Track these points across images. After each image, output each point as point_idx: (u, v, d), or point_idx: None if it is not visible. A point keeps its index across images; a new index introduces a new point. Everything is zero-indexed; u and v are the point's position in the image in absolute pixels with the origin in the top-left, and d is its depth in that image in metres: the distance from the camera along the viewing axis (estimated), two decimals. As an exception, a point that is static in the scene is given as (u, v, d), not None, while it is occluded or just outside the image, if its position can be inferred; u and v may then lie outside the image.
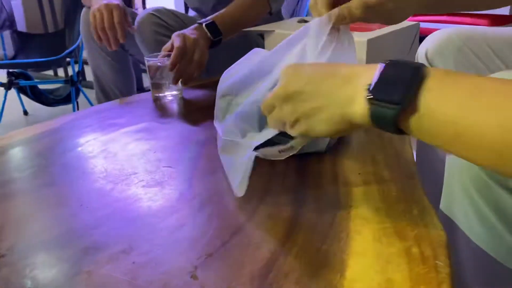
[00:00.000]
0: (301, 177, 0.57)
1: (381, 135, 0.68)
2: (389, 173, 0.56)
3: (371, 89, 0.37)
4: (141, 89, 2.26)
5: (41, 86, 2.16)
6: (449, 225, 0.48)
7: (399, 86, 0.36)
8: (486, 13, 1.76)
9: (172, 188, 0.55)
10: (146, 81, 2.48)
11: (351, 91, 0.39)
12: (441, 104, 0.34)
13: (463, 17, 1.80)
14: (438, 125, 0.34)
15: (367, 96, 0.37)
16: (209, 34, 1.03)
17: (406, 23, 0.96)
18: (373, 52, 0.83)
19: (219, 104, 0.67)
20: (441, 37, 0.69)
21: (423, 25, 1.85)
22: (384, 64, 0.38)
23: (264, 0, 1.15)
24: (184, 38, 0.95)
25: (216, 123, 0.66)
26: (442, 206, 0.50)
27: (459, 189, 0.46)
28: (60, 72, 2.97)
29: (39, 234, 0.47)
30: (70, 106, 2.10)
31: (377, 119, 0.37)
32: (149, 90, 0.98)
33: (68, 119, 0.84)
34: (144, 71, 1.06)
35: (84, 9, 1.25)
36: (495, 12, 1.74)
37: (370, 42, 0.84)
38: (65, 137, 0.75)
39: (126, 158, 0.65)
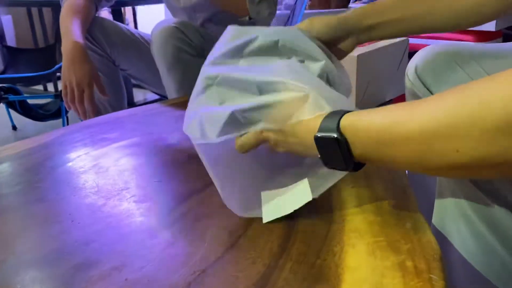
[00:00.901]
0: (294, 191, 0.57)
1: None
2: (382, 187, 0.56)
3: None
4: (132, 104, 2.26)
5: (30, 101, 2.15)
6: (441, 239, 0.48)
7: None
8: (473, 29, 1.79)
9: (164, 203, 0.55)
10: (137, 96, 2.47)
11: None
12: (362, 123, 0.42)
13: (451, 33, 1.83)
14: (364, 133, 0.42)
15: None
16: None
17: (396, 39, 0.97)
18: (363, 66, 0.84)
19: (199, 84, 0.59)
20: (430, 53, 0.70)
21: (412, 40, 1.88)
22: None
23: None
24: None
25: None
26: (434, 220, 0.50)
27: (452, 203, 0.46)
28: (50, 87, 2.96)
29: (29, 251, 0.46)
30: (59, 121, 2.08)
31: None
32: (140, 105, 0.98)
33: (59, 133, 0.84)
34: (136, 86, 1.07)
35: None
36: (482, 29, 1.77)
37: (360, 57, 0.85)
38: (55, 152, 0.75)
39: (117, 173, 0.64)
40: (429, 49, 0.71)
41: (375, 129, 0.41)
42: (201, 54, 1.13)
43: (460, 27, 0.66)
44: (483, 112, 0.33)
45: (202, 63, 0.58)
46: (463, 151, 0.35)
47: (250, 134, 0.51)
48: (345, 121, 0.44)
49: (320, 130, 0.46)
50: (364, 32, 0.64)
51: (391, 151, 0.40)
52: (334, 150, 0.44)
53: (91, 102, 1.11)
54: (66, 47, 1.12)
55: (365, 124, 0.42)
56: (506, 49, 0.69)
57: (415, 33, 0.67)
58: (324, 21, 0.63)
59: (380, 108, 0.42)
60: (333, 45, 0.63)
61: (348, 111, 0.45)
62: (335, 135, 0.43)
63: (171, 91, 1.15)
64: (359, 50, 0.88)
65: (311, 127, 0.47)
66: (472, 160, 0.35)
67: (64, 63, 1.12)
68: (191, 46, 1.12)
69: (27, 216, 0.54)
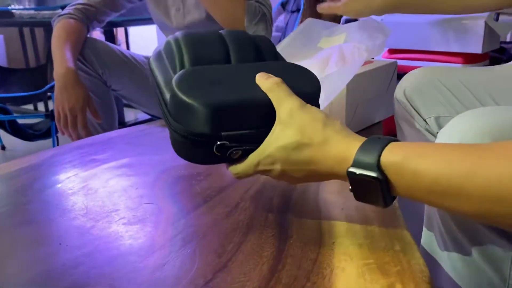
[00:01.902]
0: (284, 213, 0.57)
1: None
2: (371, 208, 0.56)
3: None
4: (123, 123, 2.25)
5: (20, 121, 2.14)
6: (430, 261, 0.49)
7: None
8: (460, 52, 1.82)
9: (153, 225, 0.55)
10: (128, 116, 2.47)
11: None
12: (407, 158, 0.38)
13: (438, 55, 1.86)
14: (413, 178, 0.37)
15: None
16: None
17: (384, 61, 0.99)
18: (353, 89, 0.86)
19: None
20: (417, 76, 0.72)
21: (400, 62, 1.91)
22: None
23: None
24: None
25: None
26: (423, 241, 0.50)
27: (440, 225, 0.46)
28: (40, 106, 2.95)
29: (16, 274, 0.46)
30: (49, 141, 2.07)
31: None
32: (131, 125, 0.98)
33: (48, 154, 0.83)
34: (127, 105, 1.08)
35: None
36: (469, 51, 1.81)
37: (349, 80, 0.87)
38: (44, 173, 0.74)
39: (107, 195, 0.64)
40: (417, 72, 0.73)
41: (428, 178, 0.36)
42: None
43: (466, 10, 0.70)
44: None
45: None
46: None
47: (247, 166, 0.49)
48: (388, 157, 0.38)
49: (355, 165, 0.40)
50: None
51: (445, 202, 0.37)
52: (372, 189, 0.40)
53: (85, 127, 1.12)
54: (58, 72, 1.13)
55: (414, 169, 0.37)
56: (490, 70, 0.70)
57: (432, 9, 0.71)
58: None
59: (432, 148, 0.38)
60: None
61: (390, 140, 0.40)
62: (375, 175, 0.38)
63: None
64: (349, 74, 0.90)
65: (342, 157, 0.41)
66: None
67: (56, 88, 1.13)
68: None
69: (14, 239, 0.53)
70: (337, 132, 0.43)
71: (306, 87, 0.52)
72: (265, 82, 0.48)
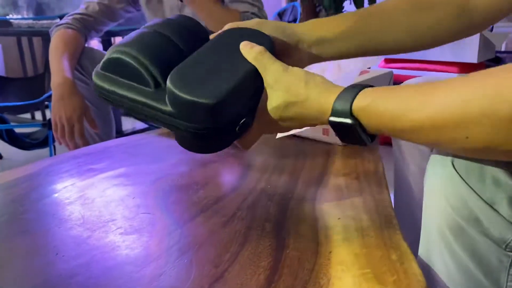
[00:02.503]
0: (281, 222, 0.57)
1: (359, 178, 0.69)
2: (368, 218, 0.56)
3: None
4: (120, 132, 2.25)
5: (17, 130, 2.13)
6: (426, 271, 0.49)
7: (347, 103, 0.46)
8: (455, 61, 1.84)
9: (150, 235, 0.55)
10: (126, 125, 2.47)
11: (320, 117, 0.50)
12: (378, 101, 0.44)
13: (434, 64, 1.88)
14: (378, 118, 0.44)
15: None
16: None
17: (380, 71, 1.00)
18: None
19: None
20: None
21: (396, 72, 1.93)
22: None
23: None
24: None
25: None
26: (420, 251, 0.50)
27: (437, 235, 0.47)
28: (38, 115, 2.95)
29: (13, 284, 0.45)
30: (47, 150, 2.06)
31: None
32: (128, 134, 0.98)
33: (45, 164, 0.83)
34: (124, 114, 1.08)
35: None
36: (464, 61, 1.82)
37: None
38: (41, 183, 0.74)
39: (104, 204, 0.64)
40: (412, 82, 0.73)
41: (388, 116, 0.43)
42: None
43: (416, 48, 0.67)
44: (496, 103, 0.36)
45: None
46: (473, 137, 0.38)
47: (252, 136, 0.56)
48: (358, 103, 0.45)
49: (333, 114, 0.47)
50: (316, 45, 0.62)
51: (405, 137, 0.44)
52: (350, 132, 0.46)
53: (82, 137, 1.13)
54: (55, 82, 1.14)
55: (378, 111, 0.44)
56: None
57: (370, 51, 0.66)
58: (274, 23, 0.62)
59: (395, 89, 0.44)
60: (284, 54, 0.60)
61: (362, 88, 0.46)
62: (349, 121, 0.45)
63: None
64: (345, 84, 0.90)
65: (324, 108, 0.48)
66: (481, 146, 0.38)
67: (54, 98, 1.13)
68: None
69: (10, 249, 0.53)
70: (317, 86, 0.50)
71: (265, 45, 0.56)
72: (250, 51, 0.54)
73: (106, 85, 0.55)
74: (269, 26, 0.60)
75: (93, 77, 0.57)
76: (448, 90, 0.40)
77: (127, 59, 0.54)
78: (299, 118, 0.52)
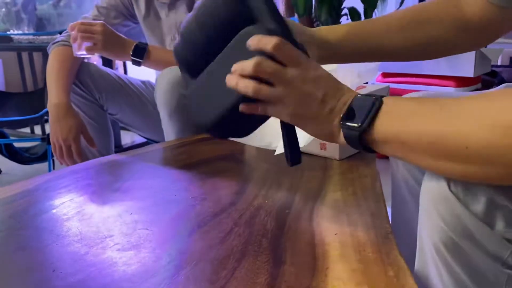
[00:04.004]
0: (278, 238, 0.57)
1: (356, 193, 0.70)
2: (365, 233, 0.56)
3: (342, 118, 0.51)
4: (119, 146, 2.26)
5: (16, 144, 2.14)
6: (423, 286, 0.49)
7: (362, 114, 0.49)
8: (452, 75, 1.85)
9: (148, 251, 0.55)
10: (125, 139, 2.48)
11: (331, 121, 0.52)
12: (389, 122, 0.47)
13: (431, 79, 1.89)
14: (388, 138, 0.47)
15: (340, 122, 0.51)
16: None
17: (376, 86, 1.01)
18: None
19: None
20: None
21: (393, 86, 1.94)
22: (353, 97, 0.51)
23: None
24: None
25: None
26: (416, 267, 0.50)
27: (432, 250, 0.47)
28: (37, 129, 2.95)
29: (8, 302, 0.45)
30: (46, 164, 2.06)
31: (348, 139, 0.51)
32: (128, 148, 0.99)
33: (43, 179, 0.83)
34: (123, 128, 1.09)
35: None
36: (461, 75, 1.84)
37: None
38: (39, 199, 0.74)
39: (101, 220, 0.64)
40: (414, 95, 0.74)
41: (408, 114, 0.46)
42: None
43: (413, 56, 0.69)
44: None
45: None
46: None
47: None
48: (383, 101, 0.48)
49: (356, 99, 0.50)
50: (321, 47, 0.65)
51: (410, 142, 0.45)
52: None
53: (79, 156, 1.14)
54: (51, 103, 1.16)
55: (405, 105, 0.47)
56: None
57: (369, 55, 0.69)
58: (292, 21, 0.66)
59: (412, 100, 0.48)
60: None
61: (381, 97, 0.49)
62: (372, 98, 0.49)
63: (170, 137, 1.15)
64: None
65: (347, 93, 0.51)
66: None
67: (50, 119, 1.16)
68: None
69: (7, 265, 0.53)
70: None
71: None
72: (266, 46, 0.52)
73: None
74: (295, 26, 0.64)
75: None
76: (464, 116, 0.41)
77: None
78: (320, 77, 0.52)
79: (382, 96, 0.49)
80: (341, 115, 0.51)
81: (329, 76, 0.53)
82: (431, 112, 0.44)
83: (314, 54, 0.65)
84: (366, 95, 0.50)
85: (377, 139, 0.48)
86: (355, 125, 0.49)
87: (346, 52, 0.67)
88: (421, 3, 0.68)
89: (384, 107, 0.48)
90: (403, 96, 0.73)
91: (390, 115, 0.47)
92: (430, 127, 0.43)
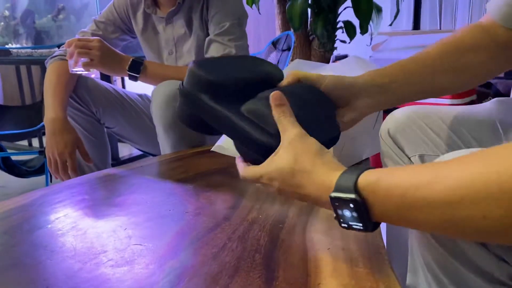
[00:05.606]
0: (271, 253, 0.57)
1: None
2: (357, 248, 0.57)
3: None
4: (116, 159, 2.26)
5: (13, 157, 2.14)
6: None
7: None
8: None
9: (141, 267, 0.55)
10: (122, 152, 2.48)
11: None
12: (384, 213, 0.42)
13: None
14: (385, 194, 0.42)
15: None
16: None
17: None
18: (341, 127, 0.87)
19: None
20: (401, 116, 0.74)
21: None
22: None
23: None
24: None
25: None
26: (408, 282, 0.51)
27: (423, 266, 0.47)
28: (35, 142, 2.96)
29: (0, 320, 0.45)
30: (43, 177, 2.06)
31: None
32: (125, 161, 0.99)
33: (39, 194, 0.83)
34: (120, 141, 1.09)
35: None
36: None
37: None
38: (34, 214, 0.74)
39: (96, 236, 0.64)
40: (400, 112, 0.75)
41: (397, 192, 0.40)
42: None
43: (464, 87, 0.68)
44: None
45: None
46: (491, 217, 0.34)
47: (253, 174, 0.55)
48: (364, 180, 0.43)
49: (336, 190, 0.44)
50: (379, 93, 0.64)
51: (413, 216, 0.39)
52: (351, 211, 0.43)
53: (74, 172, 1.15)
54: (47, 118, 1.17)
55: (386, 186, 0.41)
56: (469, 111, 0.72)
57: (426, 94, 0.67)
58: (333, 76, 0.65)
59: (401, 168, 0.42)
60: (341, 103, 0.64)
61: (366, 168, 0.44)
62: (353, 196, 0.42)
63: (165, 151, 1.16)
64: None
65: (326, 185, 0.46)
66: (499, 226, 0.34)
67: (46, 134, 1.16)
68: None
69: (1, 282, 0.53)
70: (325, 163, 0.49)
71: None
72: (276, 110, 0.55)
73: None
74: (329, 78, 0.64)
75: None
76: (462, 164, 0.36)
77: None
78: (298, 189, 0.50)
79: (356, 185, 0.44)
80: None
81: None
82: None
83: (361, 105, 0.64)
84: (338, 197, 0.45)
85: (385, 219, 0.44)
86: (361, 228, 0.46)
87: (403, 96, 0.65)
88: (453, 35, 0.66)
89: (369, 202, 0.43)
90: (391, 122, 0.73)
91: (382, 206, 0.42)
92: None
